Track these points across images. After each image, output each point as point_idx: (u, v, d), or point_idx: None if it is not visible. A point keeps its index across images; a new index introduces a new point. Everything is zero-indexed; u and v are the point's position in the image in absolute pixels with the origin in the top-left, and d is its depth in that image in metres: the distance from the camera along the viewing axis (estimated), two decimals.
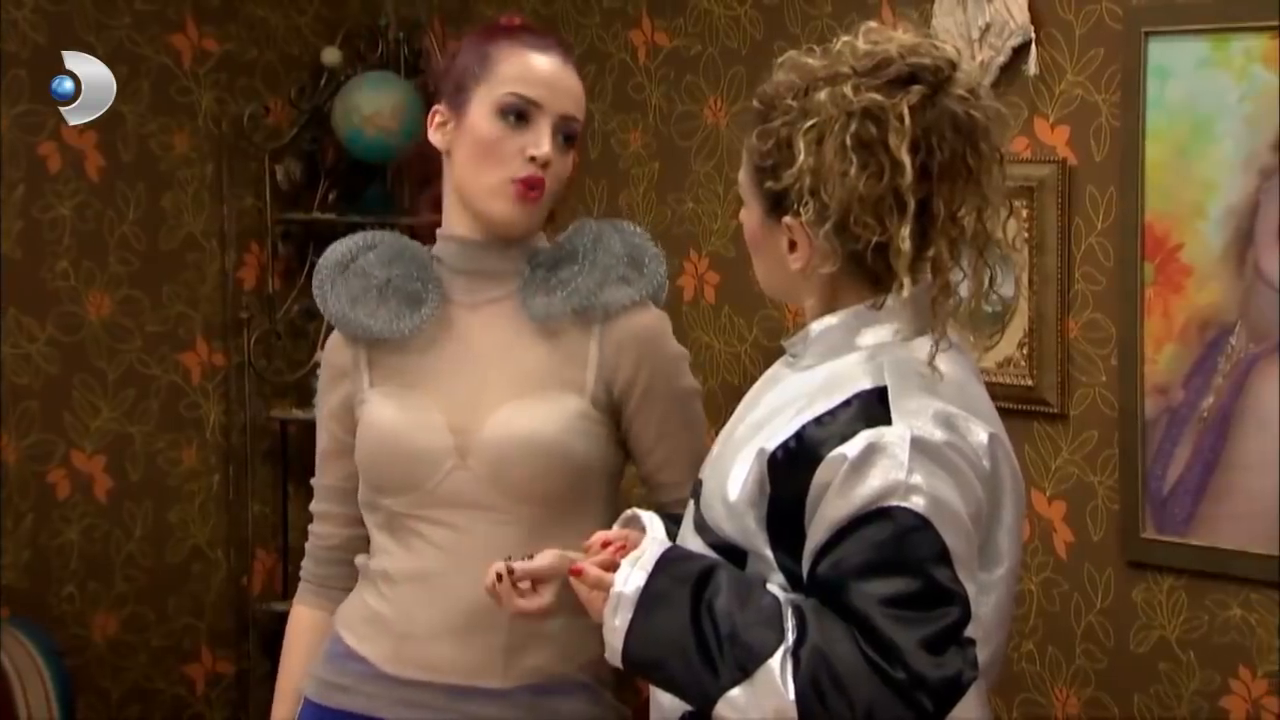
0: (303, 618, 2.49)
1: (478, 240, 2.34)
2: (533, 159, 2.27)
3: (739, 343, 4.03)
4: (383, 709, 2.32)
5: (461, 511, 2.28)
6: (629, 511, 2.10)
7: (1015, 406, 3.36)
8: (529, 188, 2.28)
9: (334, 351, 2.44)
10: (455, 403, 2.31)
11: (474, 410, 2.29)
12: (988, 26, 3.41)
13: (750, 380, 3.97)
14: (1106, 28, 3.36)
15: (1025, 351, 3.46)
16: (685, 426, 2.33)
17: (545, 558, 2.09)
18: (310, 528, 2.49)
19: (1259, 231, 3.16)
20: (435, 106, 2.36)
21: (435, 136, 2.35)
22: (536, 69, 2.30)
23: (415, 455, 2.30)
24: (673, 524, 2.03)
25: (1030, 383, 3.45)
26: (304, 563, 2.51)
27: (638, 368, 2.31)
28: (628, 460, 2.38)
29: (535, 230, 2.35)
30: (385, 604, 2.35)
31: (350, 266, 2.40)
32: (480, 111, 2.30)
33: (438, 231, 2.38)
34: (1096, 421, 3.42)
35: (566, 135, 2.31)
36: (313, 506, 2.49)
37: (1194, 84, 3.23)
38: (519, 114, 2.28)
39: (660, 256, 2.39)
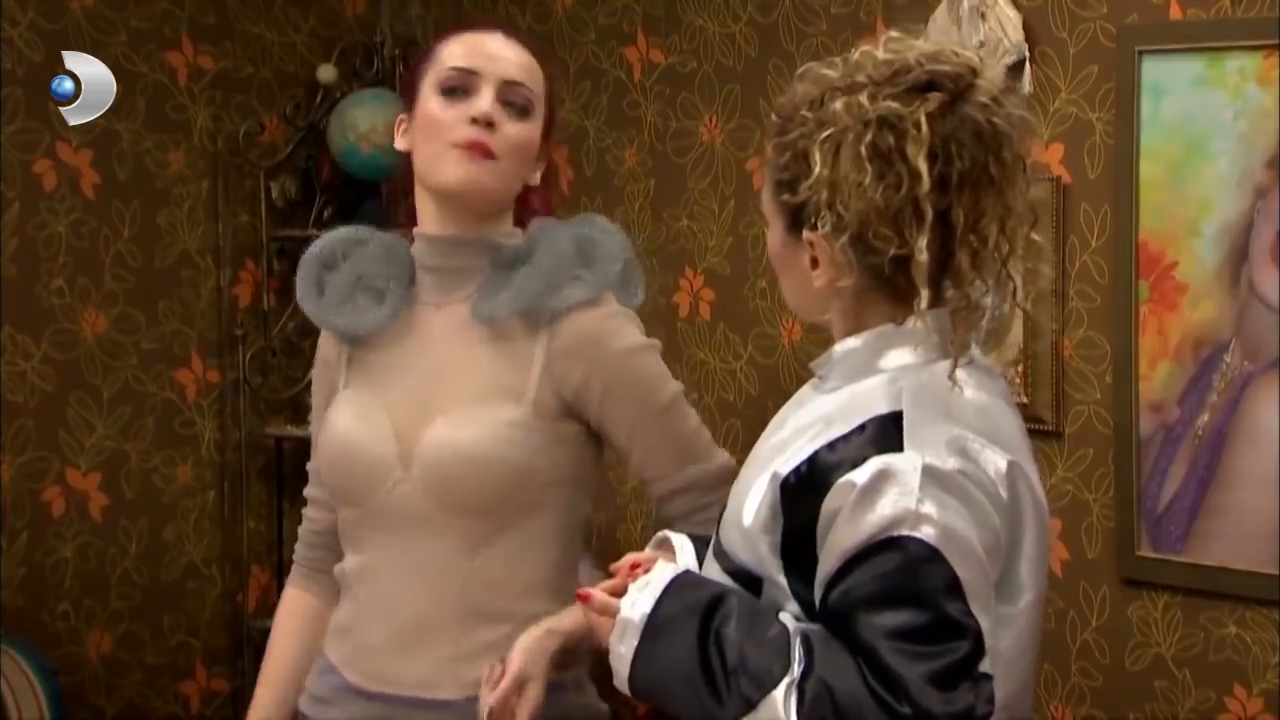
0: (288, 599, 2.50)
1: (442, 235, 2.31)
2: (474, 120, 2.24)
3: (734, 359, 4.03)
4: None
5: (407, 522, 2.28)
6: (661, 534, 2.06)
7: (1017, 424, 3.36)
8: (472, 148, 2.24)
9: (324, 342, 2.45)
10: (403, 409, 2.30)
11: (418, 418, 2.28)
12: (982, 45, 3.42)
13: (745, 398, 4.00)
14: (1100, 46, 3.37)
15: (1020, 369, 3.46)
16: (659, 416, 2.27)
17: (512, 664, 2.15)
18: (303, 511, 2.49)
19: (1254, 249, 3.17)
20: (399, 117, 2.35)
21: (399, 143, 2.34)
22: (474, 43, 2.30)
23: (365, 467, 2.30)
24: (704, 546, 2.00)
25: (1025, 400, 3.45)
26: (296, 546, 2.52)
27: (590, 370, 2.25)
28: (594, 466, 2.34)
29: (492, 199, 2.29)
30: (348, 614, 2.36)
31: (331, 260, 2.40)
32: (426, 97, 2.29)
33: (414, 231, 2.36)
34: (1091, 439, 3.42)
35: (514, 102, 2.27)
36: (306, 491, 2.49)
37: (1188, 102, 3.23)
38: (459, 87, 2.26)
39: (617, 253, 2.31)
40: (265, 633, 4.45)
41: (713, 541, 1.94)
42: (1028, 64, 3.41)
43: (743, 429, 3.99)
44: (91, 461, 4.31)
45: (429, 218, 2.32)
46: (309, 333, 4.57)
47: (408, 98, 2.33)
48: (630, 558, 1.98)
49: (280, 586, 4.51)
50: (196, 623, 4.48)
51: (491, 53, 2.29)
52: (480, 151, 2.24)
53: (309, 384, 4.45)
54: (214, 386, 4.49)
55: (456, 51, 2.29)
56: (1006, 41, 3.41)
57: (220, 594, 4.52)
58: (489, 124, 2.24)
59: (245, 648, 4.52)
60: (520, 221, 2.36)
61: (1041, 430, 3.44)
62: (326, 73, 4.50)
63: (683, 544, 2.00)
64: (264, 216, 4.50)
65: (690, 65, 4.07)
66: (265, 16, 4.53)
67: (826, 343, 1.94)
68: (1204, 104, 3.21)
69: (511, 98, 2.27)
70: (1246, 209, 3.17)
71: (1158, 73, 3.27)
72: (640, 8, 4.15)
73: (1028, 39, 3.42)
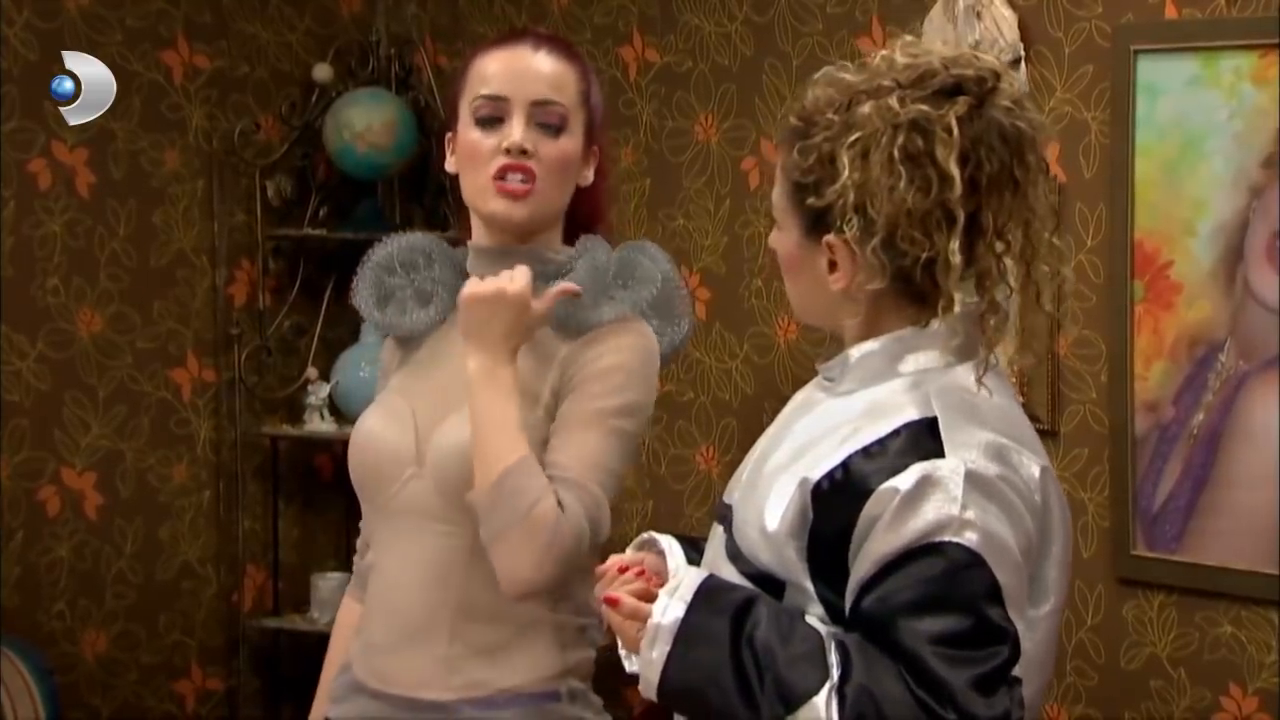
0: (343, 607, 2.51)
1: (489, 247, 2.34)
2: (507, 151, 2.27)
3: (730, 359, 4.03)
4: (353, 718, 2.35)
5: (416, 518, 2.29)
6: (645, 535, 2.05)
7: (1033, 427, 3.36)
8: (507, 177, 2.27)
9: (384, 351, 2.49)
10: (426, 406, 2.32)
11: (437, 415, 2.29)
12: (977, 44, 3.41)
13: (741, 397, 4.00)
14: (1096, 45, 3.37)
15: (1015, 368, 3.46)
16: (585, 422, 2.22)
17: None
18: (360, 524, 2.51)
19: (1249, 249, 3.17)
20: (447, 135, 2.38)
21: (449, 164, 2.37)
22: (500, 65, 2.31)
23: (383, 460, 2.32)
24: (690, 548, 1.99)
25: (1020, 399, 3.44)
26: (355, 557, 2.53)
27: (583, 366, 2.25)
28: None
29: (538, 222, 2.32)
30: (364, 611, 2.39)
31: (391, 265, 2.42)
32: (464, 127, 2.32)
33: (468, 243, 2.40)
34: (1087, 439, 3.42)
35: (547, 122, 2.29)
36: None
37: (1183, 102, 3.24)
38: (492, 114, 2.29)
39: (655, 277, 2.33)
40: (261, 632, 4.51)
41: (724, 544, 1.93)
42: (1023, 63, 3.41)
43: (738, 428, 3.99)
44: (87, 461, 4.31)
45: (479, 231, 2.36)
46: (304, 331, 4.58)
47: (450, 115, 2.37)
48: (615, 560, 1.97)
49: (276, 585, 4.55)
50: (192, 622, 4.48)
51: (520, 72, 2.30)
52: (517, 187, 2.27)
53: (305, 383, 4.52)
54: (209, 386, 4.49)
55: (482, 76, 2.31)
56: (1002, 41, 3.41)
57: (216, 593, 4.51)
58: (522, 152, 2.27)
59: (241, 647, 4.51)
60: (569, 224, 2.37)
61: (1037, 430, 3.41)
62: (322, 72, 4.50)
63: (671, 545, 1.99)
64: (259, 215, 4.49)
65: (686, 65, 4.07)
66: (261, 16, 4.53)
67: (822, 342, 1.94)
68: (1199, 103, 3.21)
69: (544, 118, 2.29)
70: (1242, 208, 3.17)
71: (1153, 72, 3.27)
72: (636, 7, 4.15)
73: (1023, 38, 3.42)
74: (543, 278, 2.30)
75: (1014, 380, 3.43)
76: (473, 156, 2.30)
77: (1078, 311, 3.41)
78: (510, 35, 2.38)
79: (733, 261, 4.00)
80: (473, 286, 2.22)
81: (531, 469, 2.17)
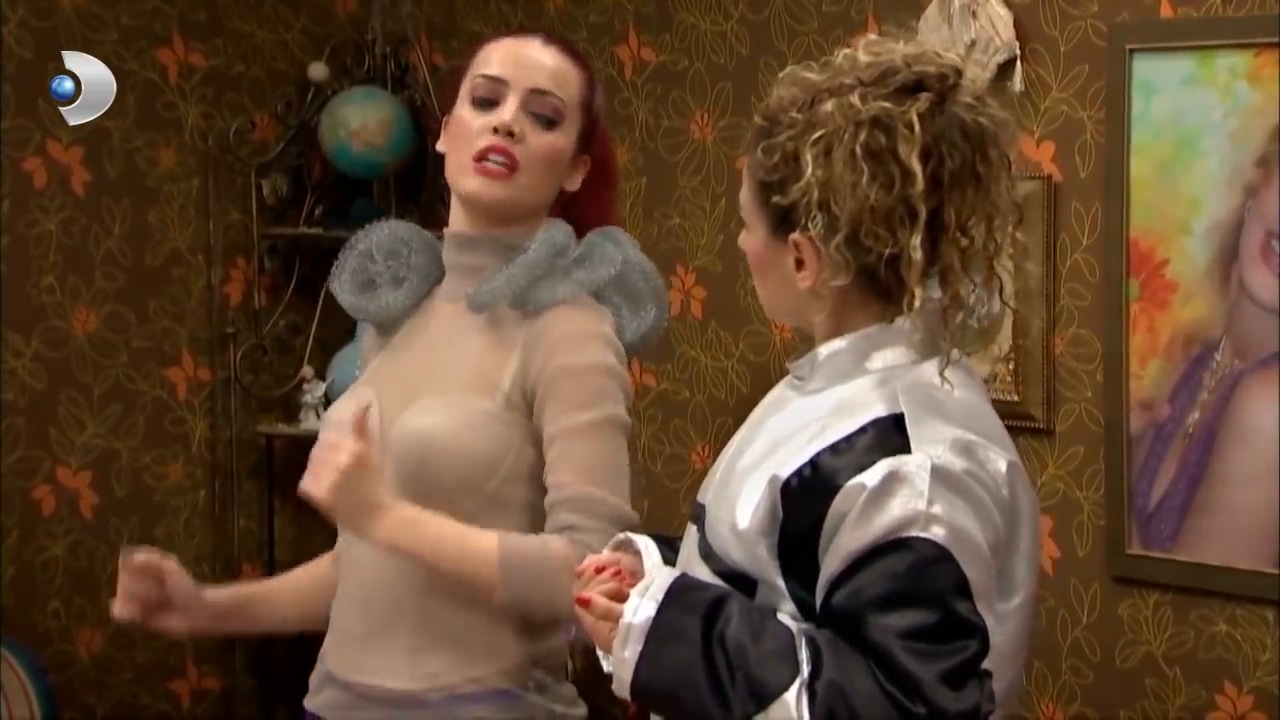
0: (316, 561, 2.53)
1: (463, 233, 2.35)
2: (494, 130, 2.27)
3: (725, 358, 4.03)
4: (325, 709, 2.36)
5: None
6: (621, 535, 2.05)
7: (1001, 422, 3.36)
8: (489, 159, 2.27)
9: (366, 339, 2.50)
10: (390, 394, 2.33)
11: (401, 404, 2.30)
12: (973, 43, 3.42)
13: (737, 396, 4.00)
14: (1091, 44, 3.37)
15: (1011, 367, 3.47)
16: (579, 430, 2.24)
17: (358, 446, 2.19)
18: None
19: (1244, 247, 3.17)
20: (444, 118, 2.39)
21: (439, 144, 2.38)
22: (506, 50, 2.33)
23: None
24: (666, 548, 2.00)
25: (1016, 398, 3.45)
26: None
27: (541, 371, 2.25)
28: None
29: (510, 210, 2.31)
30: (335, 602, 2.40)
31: (371, 251, 2.43)
32: (460, 105, 2.33)
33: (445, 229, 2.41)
34: (1082, 437, 3.42)
35: (541, 113, 2.30)
36: None
37: (1179, 100, 3.24)
38: (489, 96, 2.30)
39: (614, 258, 2.31)
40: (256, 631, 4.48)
41: (697, 543, 1.94)
42: (1019, 62, 3.41)
43: (734, 426, 3.98)
44: (82, 460, 4.31)
45: (456, 216, 2.36)
46: (299, 330, 4.58)
47: (450, 99, 2.37)
48: (592, 560, 1.97)
49: None
50: None
51: (523, 60, 2.31)
52: (497, 169, 2.27)
53: (300, 382, 4.52)
54: (205, 384, 4.49)
55: (490, 58, 2.33)
56: (997, 40, 3.42)
57: None
58: (510, 134, 2.27)
59: (236, 646, 4.51)
60: (577, 229, 2.37)
61: (1032, 428, 3.45)
62: (318, 70, 4.50)
63: (647, 545, 1.98)
64: (255, 214, 4.49)
65: (682, 63, 4.07)
66: (256, 14, 4.53)
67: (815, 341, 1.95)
68: (1194, 102, 3.21)
69: (538, 108, 2.30)
70: (1237, 207, 3.18)
71: (1148, 71, 3.27)
72: (632, 6, 4.15)
73: (1019, 37, 3.42)
74: (506, 263, 2.30)
75: (1010, 378, 3.45)
76: (461, 133, 2.31)
77: (1073, 310, 3.41)
78: (523, 29, 2.40)
79: (728, 260, 4.00)
80: (309, 487, 2.20)
81: (513, 541, 2.20)
